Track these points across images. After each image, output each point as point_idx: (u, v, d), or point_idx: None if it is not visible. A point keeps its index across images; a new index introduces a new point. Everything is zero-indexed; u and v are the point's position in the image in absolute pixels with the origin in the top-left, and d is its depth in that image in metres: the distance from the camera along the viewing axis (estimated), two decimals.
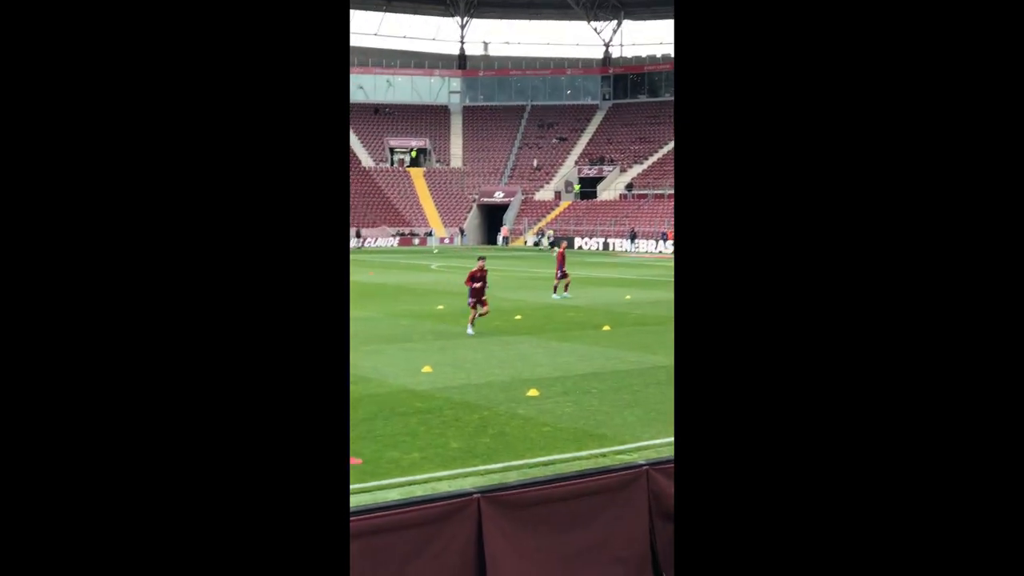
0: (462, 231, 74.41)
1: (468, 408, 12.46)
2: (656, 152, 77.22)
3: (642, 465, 6.78)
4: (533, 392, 13.40)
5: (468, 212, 76.74)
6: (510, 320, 22.19)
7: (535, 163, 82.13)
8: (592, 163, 79.42)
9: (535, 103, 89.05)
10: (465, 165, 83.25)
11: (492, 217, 76.41)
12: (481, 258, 21.34)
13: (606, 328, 20.98)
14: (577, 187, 76.83)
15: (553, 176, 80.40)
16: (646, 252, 62.46)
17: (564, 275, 28.51)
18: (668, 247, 59.90)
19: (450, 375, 14.96)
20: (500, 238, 72.97)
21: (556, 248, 38.91)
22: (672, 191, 62.09)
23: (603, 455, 10.15)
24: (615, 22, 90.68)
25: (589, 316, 23.51)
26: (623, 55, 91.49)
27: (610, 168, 77.68)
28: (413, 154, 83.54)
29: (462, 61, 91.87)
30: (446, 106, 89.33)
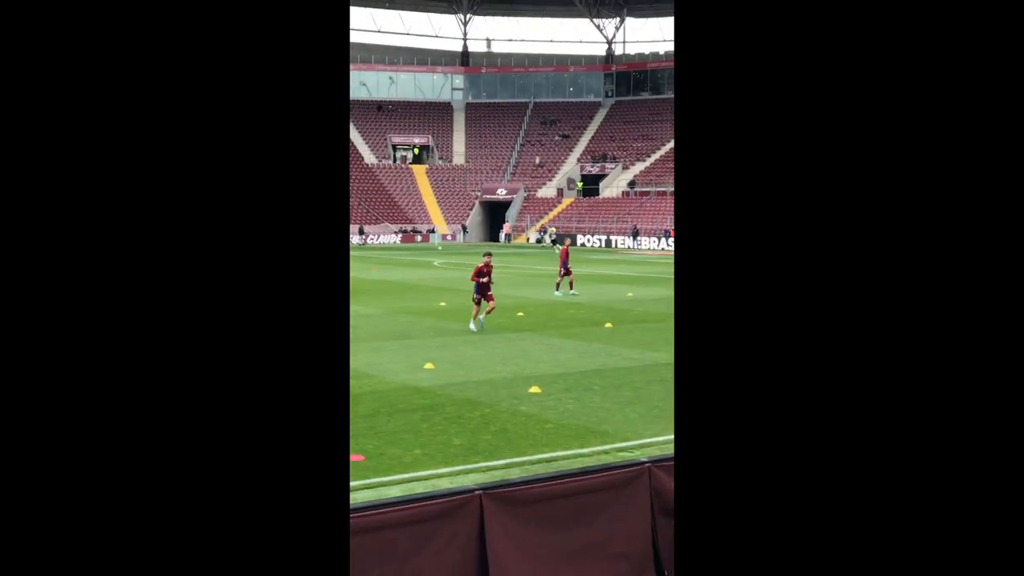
0: (464, 228, 74.43)
1: (470, 405, 12.47)
2: (658, 149, 77.21)
3: (644, 462, 6.79)
4: (535, 389, 13.40)
5: (471, 209, 76.75)
6: (512, 317, 22.19)
7: (537, 160, 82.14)
8: (595, 160, 79.43)
9: (538, 100, 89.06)
10: (468, 162, 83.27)
11: (494, 214, 76.43)
12: (487, 253, 21.30)
13: (608, 325, 20.98)
14: (579, 184, 76.85)
15: (556, 173, 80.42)
16: (648, 249, 62.47)
17: (568, 272, 28.47)
18: (670, 244, 59.89)
19: (452, 372, 14.97)
20: (502, 235, 72.98)
21: (559, 245, 38.87)
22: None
23: (605, 452, 10.15)
24: (618, 19, 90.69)
25: (591, 313, 23.51)
26: (626, 52, 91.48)
27: (612, 165, 77.69)
28: (416, 151, 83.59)
29: (465, 58, 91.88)
30: (449, 103, 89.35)
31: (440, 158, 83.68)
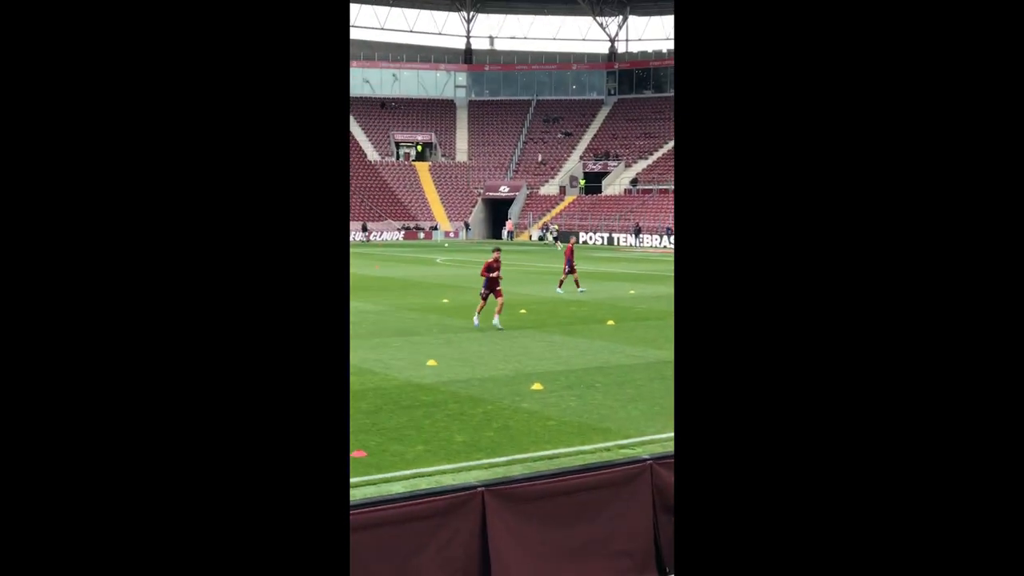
0: (467, 225, 74.43)
1: (473, 402, 12.48)
2: (661, 147, 77.18)
3: (646, 459, 6.79)
4: (537, 386, 13.41)
5: (473, 206, 76.75)
6: (515, 314, 22.20)
7: (540, 158, 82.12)
8: (597, 158, 79.42)
9: (540, 98, 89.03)
10: (470, 159, 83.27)
11: (497, 211, 76.43)
12: (496, 249, 21.27)
13: (610, 323, 20.98)
14: (582, 182, 76.85)
15: (558, 171, 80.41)
16: (650, 247, 62.44)
17: (572, 270, 28.43)
18: (672, 242, 59.86)
19: (455, 369, 14.98)
20: (505, 232, 72.98)
21: (561, 243, 38.81)
22: None
23: (607, 449, 10.16)
24: (621, 17, 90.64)
25: (593, 311, 23.52)
26: (628, 50, 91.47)
27: (615, 163, 77.68)
28: (419, 148, 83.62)
29: (468, 55, 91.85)
30: (452, 100, 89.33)
31: (443, 155, 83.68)
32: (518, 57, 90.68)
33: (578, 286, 28.42)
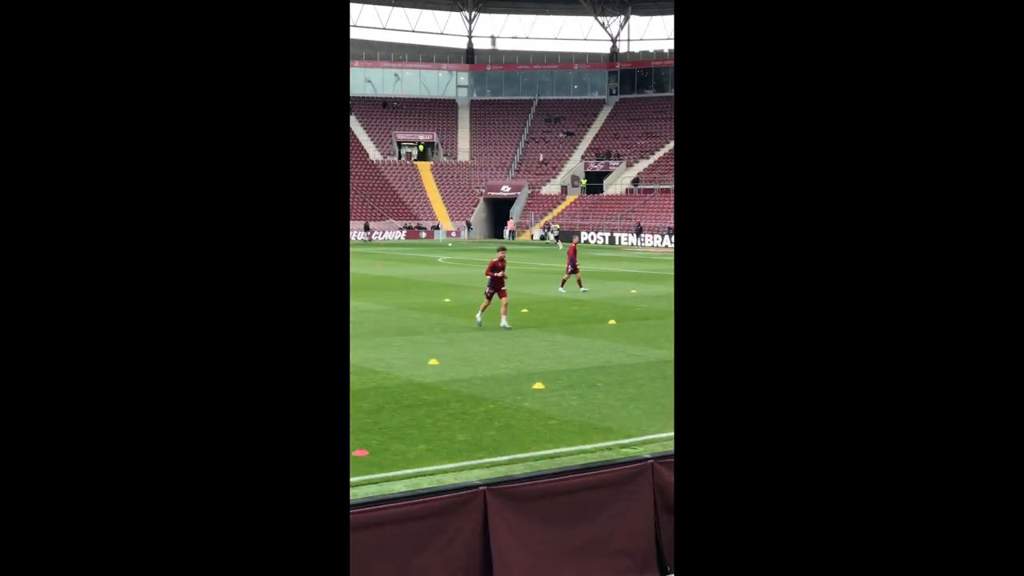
0: (469, 225, 74.44)
1: (474, 401, 12.49)
2: (662, 147, 77.15)
3: (647, 459, 6.81)
4: (539, 385, 13.42)
5: (475, 206, 76.75)
6: (517, 313, 22.20)
7: (542, 157, 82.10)
8: (598, 158, 79.40)
9: (542, 97, 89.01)
10: (472, 159, 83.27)
11: (499, 211, 76.43)
12: (502, 249, 21.27)
13: (612, 322, 20.99)
14: (584, 181, 76.85)
15: (560, 170, 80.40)
16: (652, 246, 62.42)
17: (575, 270, 28.43)
18: (673, 242, 59.83)
19: (457, 368, 15.00)
20: (506, 232, 73.01)
21: (562, 242, 38.76)
22: None
23: (608, 448, 10.18)
24: (622, 17, 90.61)
25: (595, 310, 23.52)
26: (630, 50, 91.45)
27: (616, 163, 77.67)
28: (421, 148, 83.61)
29: (470, 55, 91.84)
30: (454, 100, 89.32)
31: (445, 155, 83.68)
32: (520, 57, 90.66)
33: (580, 285, 28.41)
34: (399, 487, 8.41)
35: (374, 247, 58.73)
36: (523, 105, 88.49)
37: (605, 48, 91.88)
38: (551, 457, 9.78)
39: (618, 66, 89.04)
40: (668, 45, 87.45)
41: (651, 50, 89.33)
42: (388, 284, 30.79)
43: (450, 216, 75.61)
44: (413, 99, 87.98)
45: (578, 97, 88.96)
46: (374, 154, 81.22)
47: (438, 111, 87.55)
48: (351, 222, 66.10)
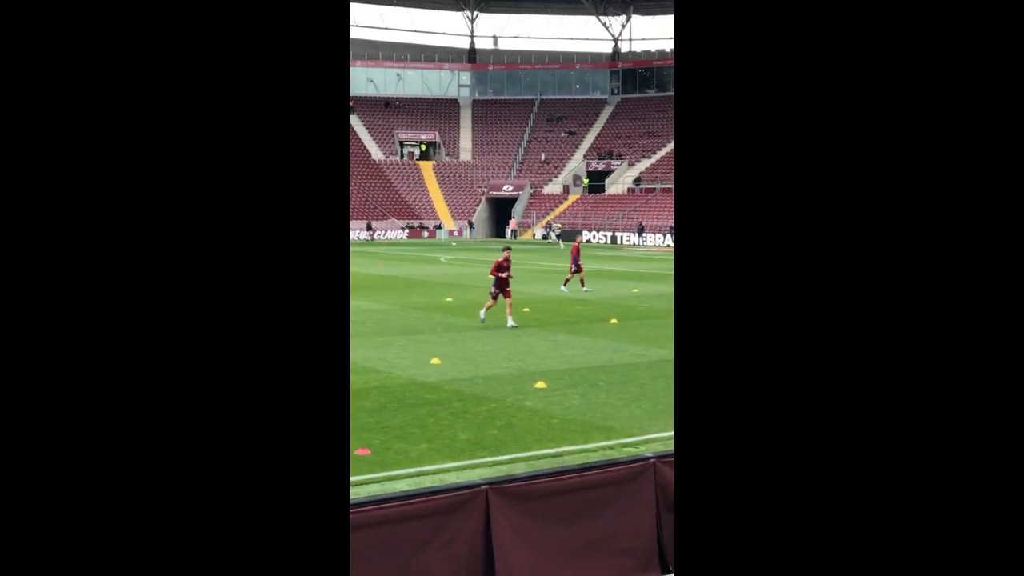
0: (471, 224, 74.45)
1: (476, 400, 12.50)
2: (664, 147, 77.12)
3: (649, 458, 6.81)
4: (541, 384, 13.43)
5: (477, 205, 76.76)
6: (518, 313, 22.20)
7: (543, 157, 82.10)
8: (600, 157, 79.39)
9: (544, 97, 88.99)
10: (474, 158, 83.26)
11: (501, 210, 76.44)
12: (507, 248, 21.26)
13: (613, 321, 20.99)
14: (585, 181, 76.85)
15: (561, 170, 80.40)
16: (653, 246, 62.40)
17: (579, 269, 28.40)
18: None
19: (459, 367, 15.00)
20: (508, 231, 73.02)
21: (564, 241, 38.69)
22: None
23: (610, 447, 10.18)
24: (624, 16, 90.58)
25: (597, 309, 23.52)
26: (632, 50, 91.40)
27: (618, 162, 77.66)
28: (423, 147, 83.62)
29: (472, 55, 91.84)
30: (456, 100, 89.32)
31: (447, 154, 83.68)
32: (521, 56, 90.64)
33: (583, 285, 28.40)
34: (401, 486, 8.42)
35: (377, 246, 58.74)
36: (525, 104, 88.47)
37: (607, 48, 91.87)
38: (553, 456, 9.78)
39: (620, 65, 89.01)
40: (670, 45, 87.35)
41: (653, 49, 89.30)
42: (390, 283, 30.79)
43: (452, 215, 75.62)
44: (415, 99, 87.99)
45: (580, 97, 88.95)
46: (376, 154, 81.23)
47: (440, 111, 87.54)
48: (353, 222, 66.14)
